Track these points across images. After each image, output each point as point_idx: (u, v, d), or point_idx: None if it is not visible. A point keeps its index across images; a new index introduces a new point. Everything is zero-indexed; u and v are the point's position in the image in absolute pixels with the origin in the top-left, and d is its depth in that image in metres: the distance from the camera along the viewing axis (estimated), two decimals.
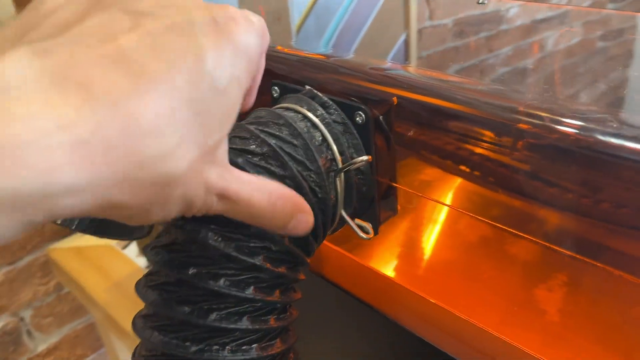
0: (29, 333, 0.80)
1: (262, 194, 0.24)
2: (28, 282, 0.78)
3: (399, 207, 0.35)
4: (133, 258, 0.69)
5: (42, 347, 0.81)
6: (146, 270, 0.30)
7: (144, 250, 0.29)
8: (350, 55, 0.36)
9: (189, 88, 0.16)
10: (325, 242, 0.40)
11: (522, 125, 0.27)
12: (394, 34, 0.44)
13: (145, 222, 0.19)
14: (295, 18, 0.53)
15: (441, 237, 0.35)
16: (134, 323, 0.28)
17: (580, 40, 0.38)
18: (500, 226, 0.30)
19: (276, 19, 0.53)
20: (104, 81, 0.15)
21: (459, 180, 0.32)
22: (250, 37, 0.20)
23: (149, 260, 0.28)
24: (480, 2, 0.44)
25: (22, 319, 0.78)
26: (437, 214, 0.35)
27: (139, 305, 0.29)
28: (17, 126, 0.13)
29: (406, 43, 0.41)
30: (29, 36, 0.16)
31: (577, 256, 0.28)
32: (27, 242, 0.76)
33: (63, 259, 0.73)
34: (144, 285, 0.28)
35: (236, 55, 0.19)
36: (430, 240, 0.36)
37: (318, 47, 0.40)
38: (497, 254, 0.32)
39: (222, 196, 0.21)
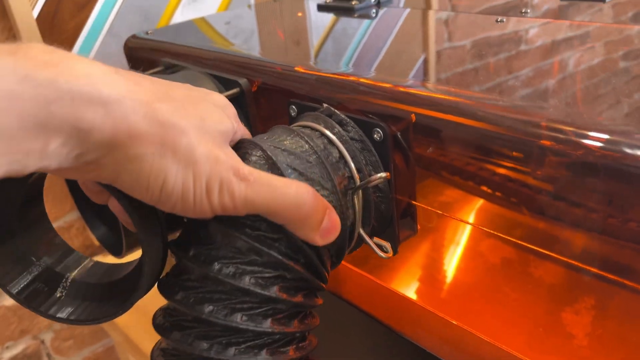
0: (49, 356, 0.80)
1: (286, 182, 0.27)
2: None
3: (418, 227, 0.35)
4: None
5: None
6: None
7: (158, 286, 0.29)
8: (367, 74, 0.36)
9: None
10: (344, 262, 0.39)
11: (545, 142, 0.26)
12: (412, 56, 0.44)
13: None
14: (314, 42, 0.54)
15: (463, 259, 0.34)
16: (152, 355, 0.28)
17: (602, 60, 0.37)
18: (524, 244, 0.29)
19: (295, 43, 0.54)
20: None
21: (480, 201, 0.31)
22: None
23: (164, 295, 0.28)
24: (498, 20, 0.44)
25: (42, 342, 0.79)
26: (459, 235, 0.34)
27: None
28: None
29: (425, 65, 0.41)
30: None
31: (605, 274, 0.27)
32: None
33: None
34: (163, 316, 0.28)
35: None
36: (452, 261, 0.35)
37: (333, 66, 0.40)
38: (522, 276, 0.31)
39: (244, 177, 0.25)
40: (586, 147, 0.25)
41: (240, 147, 0.29)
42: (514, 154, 0.27)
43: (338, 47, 0.48)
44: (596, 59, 0.37)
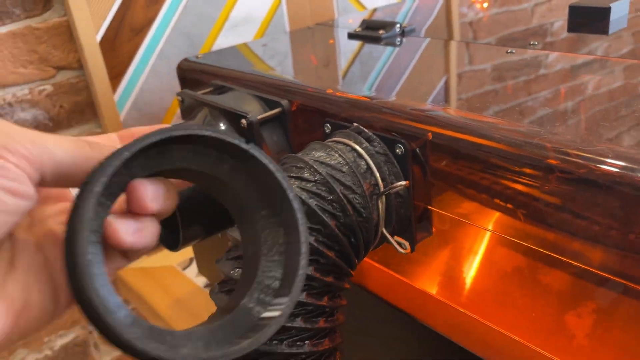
0: (95, 345, 0.87)
1: None
2: None
3: (433, 229, 0.40)
4: (192, 278, 0.76)
5: (106, 359, 0.89)
6: (204, 289, 0.34)
7: (216, 263, 0.35)
8: (392, 97, 0.42)
9: None
10: (375, 263, 0.45)
11: (550, 161, 0.30)
12: (434, 78, 0.48)
13: None
14: (342, 64, 0.60)
15: (476, 265, 0.38)
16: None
17: (622, 84, 0.39)
18: (531, 246, 0.34)
19: (325, 65, 0.60)
20: None
21: (495, 214, 0.35)
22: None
23: (220, 270, 0.34)
24: (509, 51, 0.49)
25: (90, 332, 0.86)
26: (473, 243, 0.38)
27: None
28: None
29: (446, 86, 0.46)
30: None
31: (608, 276, 0.30)
32: None
33: (130, 278, 0.81)
34: (218, 292, 0.34)
35: None
36: (465, 267, 0.39)
37: (362, 89, 0.46)
38: (530, 282, 0.34)
39: None
40: (587, 166, 0.28)
41: (287, 162, 0.36)
42: (524, 171, 0.31)
43: (364, 69, 0.54)
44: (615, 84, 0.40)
